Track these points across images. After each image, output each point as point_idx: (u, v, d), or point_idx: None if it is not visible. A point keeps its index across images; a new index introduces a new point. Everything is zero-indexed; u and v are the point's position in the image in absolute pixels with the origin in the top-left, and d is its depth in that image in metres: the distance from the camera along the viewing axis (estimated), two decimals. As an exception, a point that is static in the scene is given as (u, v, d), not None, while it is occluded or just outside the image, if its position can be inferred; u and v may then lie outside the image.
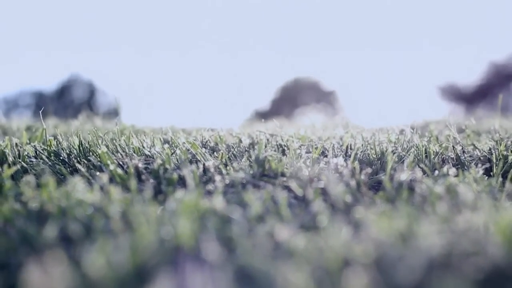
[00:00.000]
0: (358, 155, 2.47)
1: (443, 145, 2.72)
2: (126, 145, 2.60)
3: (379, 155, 2.47)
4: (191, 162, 2.40)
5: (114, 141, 2.60)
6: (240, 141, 2.83)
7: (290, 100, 44.31)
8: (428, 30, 63.97)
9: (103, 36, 64.94)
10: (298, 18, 67.55)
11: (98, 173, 2.24)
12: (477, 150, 2.70)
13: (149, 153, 2.50)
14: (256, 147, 2.65)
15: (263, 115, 43.47)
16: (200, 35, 65.42)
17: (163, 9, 65.70)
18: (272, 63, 67.35)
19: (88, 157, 2.45)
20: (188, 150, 2.48)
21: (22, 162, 2.46)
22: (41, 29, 63.76)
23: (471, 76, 40.44)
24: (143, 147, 2.58)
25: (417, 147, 2.58)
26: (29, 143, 2.81)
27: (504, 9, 60.14)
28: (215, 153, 2.60)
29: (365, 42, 66.17)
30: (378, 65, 63.87)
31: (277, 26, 67.80)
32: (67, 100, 41.86)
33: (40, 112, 3.32)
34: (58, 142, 2.68)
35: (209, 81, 63.02)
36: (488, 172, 2.51)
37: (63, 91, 41.86)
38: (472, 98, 39.23)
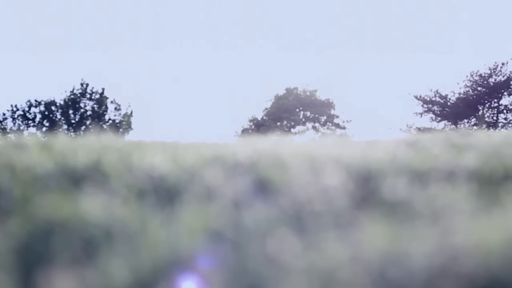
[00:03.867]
0: (352, 171, 2.47)
1: (432, 161, 2.72)
2: (133, 161, 2.59)
3: (372, 171, 2.46)
4: (193, 178, 2.40)
5: (122, 158, 2.60)
6: (239, 157, 2.83)
7: (285, 108, 44.23)
8: (415, 41, 64.04)
9: (113, 47, 64.98)
10: (293, 28, 67.64)
11: (107, 189, 2.23)
12: (465, 165, 2.69)
13: (154, 169, 2.50)
14: (255, 163, 2.65)
15: (259, 124, 43.46)
16: (198, 43, 65.52)
17: (166, 21, 65.77)
18: (268, 71, 67.44)
19: (98, 173, 2.45)
20: (192, 167, 2.48)
21: (33, 177, 2.46)
22: (52, 40, 63.73)
23: (456, 87, 40.37)
24: (149, 163, 2.58)
25: (408, 162, 2.58)
26: (40, 158, 2.81)
27: (490, 19, 60.27)
28: (216, 168, 2.59)
29: (356, 53, 66.24)
30: (368, 75, 63.93)
31: (274, 35, 67.90)
32: (77, 111, 41.78)
33: (52, 125, 3.33)
34: (68, 157, 2.68)
35: (207, 90, 63.12)
36: (475, 187, 2.51)
37: (74, 102, 41.76)
38: (458, 109, 39.20)
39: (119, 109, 42.54)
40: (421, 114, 40.34)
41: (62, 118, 40.09)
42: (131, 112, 42.54)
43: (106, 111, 42.24)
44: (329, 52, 68.35)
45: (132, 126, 42.39)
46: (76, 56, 62.12)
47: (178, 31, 68.29)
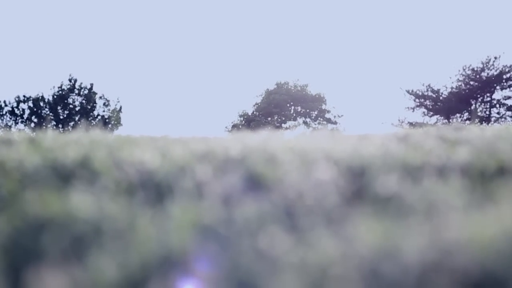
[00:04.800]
0: (344, 166, 2.47)
1: (424, 155, 2.72)
2: (123, 156, 2.59)
3: (364, 166, 2.47)
4: (184, 173, 2.40)
5: (111, 154, 2.60)
6: (231, 152, 2.82)
7: (276, 103, 44.26)
8: (407, 35, 64.13)
9: (102, 42, 64.80)
10: (283, 22, 67.66)
11: (96, 185, 2.23)
12: (457, 160, 2.70)
13: (144, 165, 2.49)
14: (246, 158, 2.64)
15: (250, 119, 43.49)
16: (187, 37, 65.37)
17: (155, 15, 65.60)
18: (259, 66, 67.39)
19: (87, 169, 2.44)
20: (182, 162, 2.48)
21: (22, 173, 2.45)
22: (40, 36, 63.48)
23: (448, 81, 40.58)
24: (139, 158, 2.57)
25: (400, 157, 2.58)
26: (29, 154, 2.80)
27: (482, 13, 60.42)
28: (207, 164, 2.59)
29: (347, 48, 66.28)
30: (360, 70, 64.00)
31: (265, 30, 67.87)
32: (66, 106, 41.73)
33: (41, 120, 3.33)
34: (57, 153, 2.67)
35: (197, 85, 63.04)
36: (468, 182, 2.51)
37: (62, 97, 41.70)
38: (450, 103, 39.30)
39: (108, 105, 42.50)
40: (413, 108, 40.46)
41: (51, 114, 39.98)
42: (120, 108, 42.50)
43: (94, 106, 42.18)
44: (321, 47, 68.35)
45: (121, 122, 42.33)
46: (64, 51, 61.95)
47: (170, 26, 68.17)
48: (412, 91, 40.24)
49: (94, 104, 42.14)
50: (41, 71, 62.62)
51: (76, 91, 41.97)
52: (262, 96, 45.33)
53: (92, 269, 1.35)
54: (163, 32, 68.59)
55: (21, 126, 39.42)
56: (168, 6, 67.34)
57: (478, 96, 39.58)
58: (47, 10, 63.24)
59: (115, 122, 41.83)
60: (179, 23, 67.95)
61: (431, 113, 40.19)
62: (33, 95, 40.98)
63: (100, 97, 42.45)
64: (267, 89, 45.40)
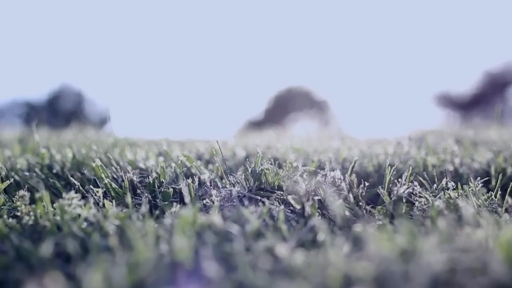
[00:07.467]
0: (355, 168, 2.46)
1: (441, 157, 2.71)
2: (120, 158, 2.59)
3: (377, 168, 2.46)
4: (186, 175, 2.40)
5: (108, 154, 2.59)
6: (235, 153, 2.82)
7: (283, 109, 44.45)
8: (423, 37, 64.14)
9: (92, 46, 64.94)
10: (291, 26, 67.82)
11: (92, 187, 2.23)
12: (475, 162, 2.70)
13: (143, 167, 2.49)
14: (251, 159, 2.64)
15: (256, 125, 43.53)
16: (192, 42, 65.45)
17: (153, 17, 65.73)
18: (265, 72, 67.49)
19: (82, 171, 2.44)
20: (183, 163, 2.47)
21: (15, 176, 2.45)
22: (31, 39, 63.67)
23: (466, 84, 40.75)
24: (137, 160, 2.57)
25: (415, 159, 2.58)
26: (22, 156, 2.80)
27: (500, 17, 60.44)
28: (210, 166, 2.59)
29: (359, 50, 66.31)
30: (372, 73, 63.97)
31: (270, 35, 68.01)
32: (57, 110, 41.92)
33: (32, 123, 3.35)
34: (51, 154, 2.67)
35: (201, 91, 63.19)
36: (487, 184, 2.51)
37: (53, 101, 41.92)
38: (467, 107, 39.39)
39: (100, 108, 42.66)
40: (431, 110, 40.56)
41: (43, 117, 40.09)
42: (108, 116, 42.49)
43: (86, 110, 42.35)
44: (330, 49, 68.45)
45: (112, 126, 42.28)
46: (57, 53, 62.15)
47: (183, 30, 68.33)
48: (430, 93, 40.39)
49: (85, 108, 42.31)
50: (32, 74, 62.83)
51: (67, 94, 42.14)
52: (270, 100, 45.49)
53: (90, 273, 1.35)
54: (173, 36, 68.73)
55: (13, 129, 39.47)
56: (181, 7, 67.62)
57: (496, 99, 39.62)
58: (37, 14, 63.41)
59: (107, 126, 41.78)
60: (193, 29, 68.03)
61: (449, 114, 40.30)
62: (25, 99, 41.23)
63: (91, 101, 42.64)
64: (275, 94, 45.58)
